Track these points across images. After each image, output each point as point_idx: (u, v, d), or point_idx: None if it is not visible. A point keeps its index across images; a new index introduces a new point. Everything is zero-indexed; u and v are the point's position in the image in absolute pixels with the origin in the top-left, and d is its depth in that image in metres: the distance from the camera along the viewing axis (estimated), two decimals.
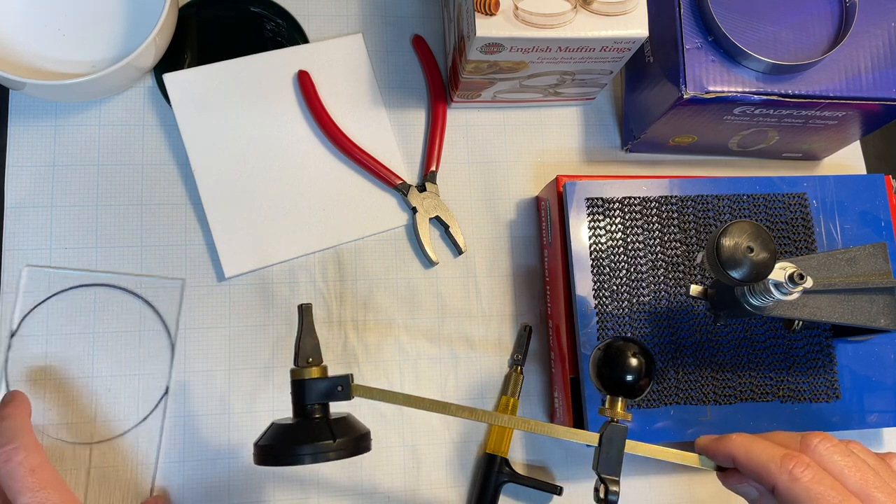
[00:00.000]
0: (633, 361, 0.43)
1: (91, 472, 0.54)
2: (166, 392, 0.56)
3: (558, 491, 0.57)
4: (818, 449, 0.38)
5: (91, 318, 0.57)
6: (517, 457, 0.59)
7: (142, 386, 0.56)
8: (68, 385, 0.56)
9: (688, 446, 0.60)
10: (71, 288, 0.57)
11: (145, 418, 0.56)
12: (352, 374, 0.45)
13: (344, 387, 0.45)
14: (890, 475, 0.37)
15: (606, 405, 0.43)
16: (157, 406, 0.56)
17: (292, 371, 0.45)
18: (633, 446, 0.43)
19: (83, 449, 0.55)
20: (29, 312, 0.56)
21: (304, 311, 0.46)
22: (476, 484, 0.58)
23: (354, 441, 0.43)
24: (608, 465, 0.42)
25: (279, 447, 0.43)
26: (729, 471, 0.42)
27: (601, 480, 0.42)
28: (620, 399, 0.43)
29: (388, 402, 0.45)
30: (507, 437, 0.58)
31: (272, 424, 0.45)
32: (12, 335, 0.55)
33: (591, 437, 0.43)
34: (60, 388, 0.55)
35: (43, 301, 0.56)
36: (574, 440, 0.43)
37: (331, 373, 0.45)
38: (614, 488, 0.42)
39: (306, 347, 0.45)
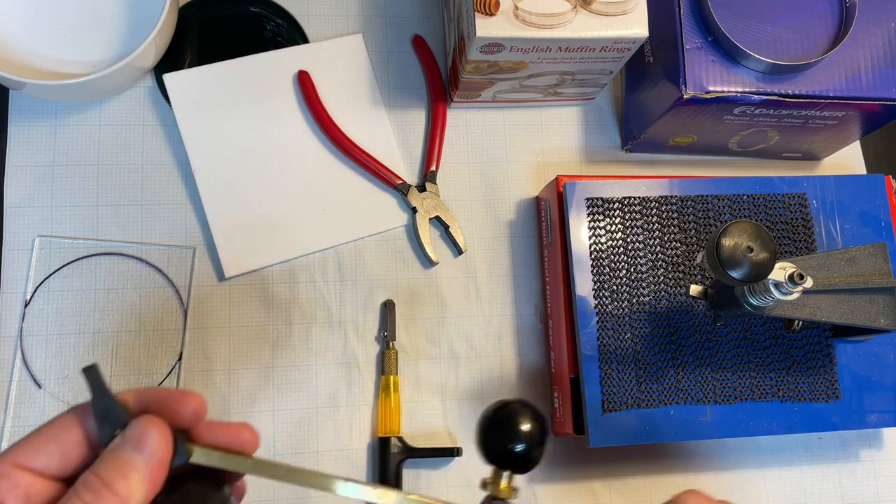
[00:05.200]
0: (527, 427, 0.34)
1: None
2: (180, 357, 0.57)
3: (456, 452, 0.57)
4: (689, 497, 0.39)
5: (103, 287, 0.58)
6: (415, 429, 0.58)
7: (156, 351, 0.57)
8: (83, 352, 0.56)
9: (688, 446, 0.61)
10: (82, 258, 0.58)
11: (160, 383, 0.56)
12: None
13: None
14: None
15: (490, 478, 0.35)
16: (171, 371, 0.57)
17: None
18: None
19: None
20: (42, 282, 0.57)
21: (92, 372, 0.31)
22: (374, 470, 0.57)
23: None
24: None
25: None
26: None
27: None
28: (507, 474, 0.34)
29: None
30: (396, 415, 0.57)
31: None
32: (26, 305, 0.56)
33: None
34: (75, 355, 0.56)
35: (56, 271, 0.57)
36: None
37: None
38: None
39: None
